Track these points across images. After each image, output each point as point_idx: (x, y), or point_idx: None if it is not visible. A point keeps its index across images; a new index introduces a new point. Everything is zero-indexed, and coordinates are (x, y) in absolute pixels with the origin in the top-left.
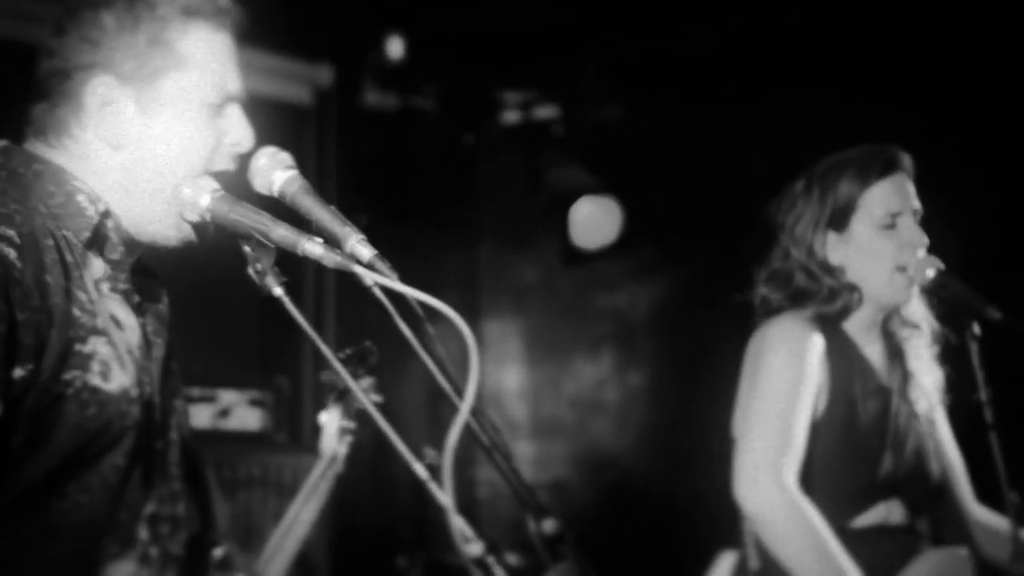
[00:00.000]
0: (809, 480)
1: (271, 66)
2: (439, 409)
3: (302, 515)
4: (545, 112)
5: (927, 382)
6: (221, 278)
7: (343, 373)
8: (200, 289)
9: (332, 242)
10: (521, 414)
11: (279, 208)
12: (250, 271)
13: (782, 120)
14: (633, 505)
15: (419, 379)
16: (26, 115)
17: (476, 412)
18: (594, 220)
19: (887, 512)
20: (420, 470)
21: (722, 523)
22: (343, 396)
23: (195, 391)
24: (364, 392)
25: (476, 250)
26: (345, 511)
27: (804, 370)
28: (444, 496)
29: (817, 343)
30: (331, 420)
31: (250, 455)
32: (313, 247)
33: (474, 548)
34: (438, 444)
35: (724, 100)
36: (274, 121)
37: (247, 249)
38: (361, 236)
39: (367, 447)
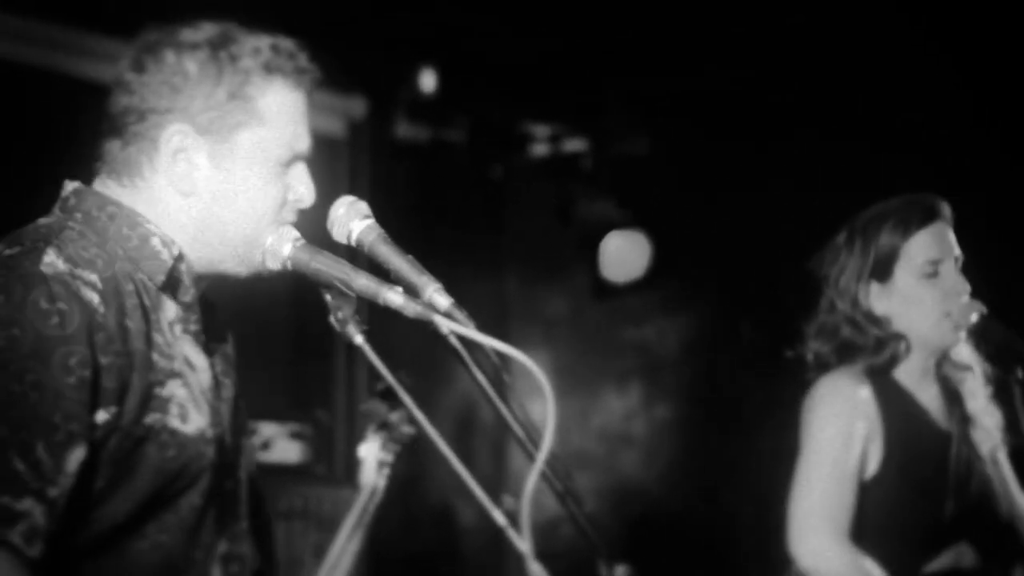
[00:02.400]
0: (871, 531)
1: (320, 85)
2: (469, 442)
3: (348, 548)
4: (574, 145)
5: (988, 423)
6: (256, 312)
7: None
8: (239, 325)
9: (409, 290)
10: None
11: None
12: (331, 320)
13: (809, 158)
14: (661, 537)
15: (449, 411)
16: (97, 150)
17: (551, 459)
18: (623, 254)
19: (958, 557)
20: (499, 516)
21: (747, 555)
22: (382, 428)
23: None
24: (400, 427)
25: (505, 282)
26: (379, 546)
27: (851, 427)
28: (523, 542)
29: (865, 398)
30: (370, 452)
31: (290, 487)
32: (394, 297)
33: None
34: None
35: (751, 137)
36: (309, 152)
37: (328, 298)
38: (438, 285)
39: (399, 482)
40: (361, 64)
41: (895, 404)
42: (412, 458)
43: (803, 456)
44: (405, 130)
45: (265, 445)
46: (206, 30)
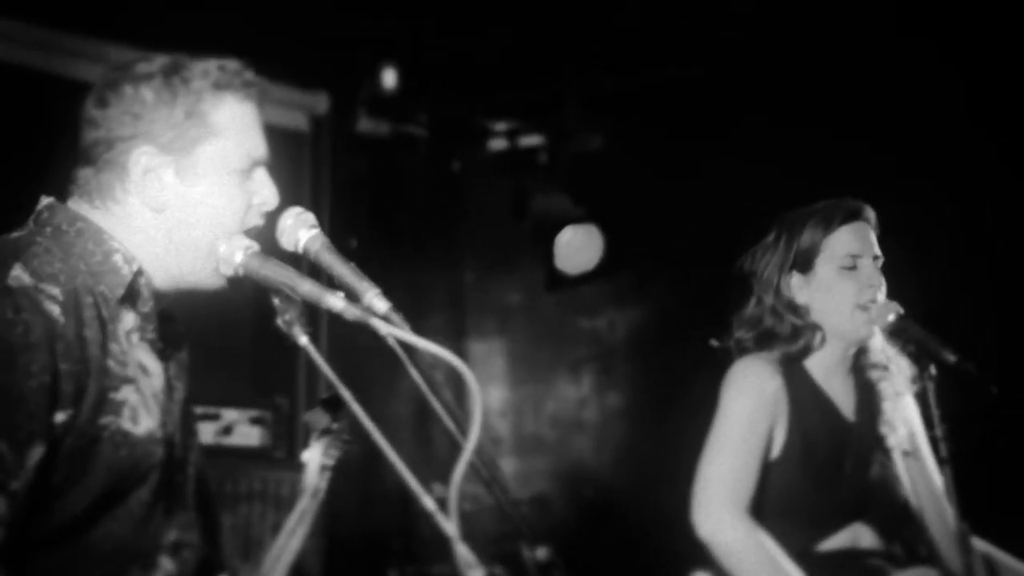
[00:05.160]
0: (771, 507)
1: (271, 95)
2: (427, 426)
3: (290, 544)
4: (530, 141)
5: (897, 418)
6: (220, 302)
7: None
8: (204, 316)
9: (351, 295)
10: (504, 431)
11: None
12: (278, 321)
13: (754, 154)
14: (610, 520)
15: (408, 397)
16: (71, 176)
17: (478, 450)
18: (577, 246)
19: (854, 536)
20: (429, 502)
21: (692, 540)
22: (324, 435)
23: (199, 409)
24: (341, 435)
25: (462, 272)
26: (337, 526)
27: (759, 407)
28: (450, 526)
29: (775, 383)
30: (313, 457)
31: (250, 470)
32: (335, 301)
33: (476, 574)
34: (425, 455)
35: (703, 133)
36: (273, 146)
37: (276, 301)
38: (377, 291)
39: (357, 466)
40: (324, 61)
41: (802, 392)
42: (370, 441)
43: (712, 431)
44: (366, 125)
45: (227, 430)
46: (158, 61)
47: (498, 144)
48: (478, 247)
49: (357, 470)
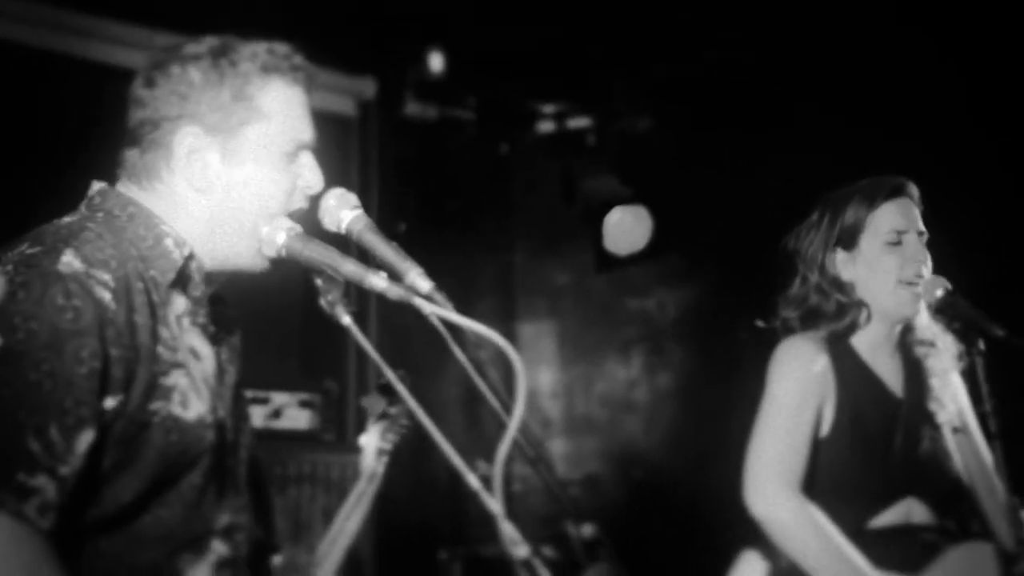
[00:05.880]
0: (822, 485)
1: (318, 80)
2: (475, 408)
3: (347, 527)
4: (578, 123)
5: (946, 394)
6: (269, 286)
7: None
8: (253, 300)
9: (394, 275)
10: (555, 412)
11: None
12: (321, 302)
13: (805, 134)
14: (660, 499)
15: (456, 380)
16: (118, 158)
17: (522, 429)
18: (625, 227)
19: (907, 512)
20: (473, 481)
21: (742, 519)
22: (381, 419)
23: (249, 393)
24: (398, 419)
25: (511, 255)
26: (388, 509)
27: (806, 387)
28: (495, 504)
29: (822, 362)
30: (370, 441)
31: (300, 453)
32: (378, 281)
33: (521, 550)
34: (474, 437)
35: (750, 114)
36: (321, 131)
37: (319, 282)
38: (420, 270)
39: (408, 449)
40: (370, 46)
41: (849, 369)
42: (418, 422)
43: (761, 412)
44: (414, 109)
45: (276, 413)
46: (207, 42)
47: (546, 126)
48: (527, 229)
49: (407, 452)
